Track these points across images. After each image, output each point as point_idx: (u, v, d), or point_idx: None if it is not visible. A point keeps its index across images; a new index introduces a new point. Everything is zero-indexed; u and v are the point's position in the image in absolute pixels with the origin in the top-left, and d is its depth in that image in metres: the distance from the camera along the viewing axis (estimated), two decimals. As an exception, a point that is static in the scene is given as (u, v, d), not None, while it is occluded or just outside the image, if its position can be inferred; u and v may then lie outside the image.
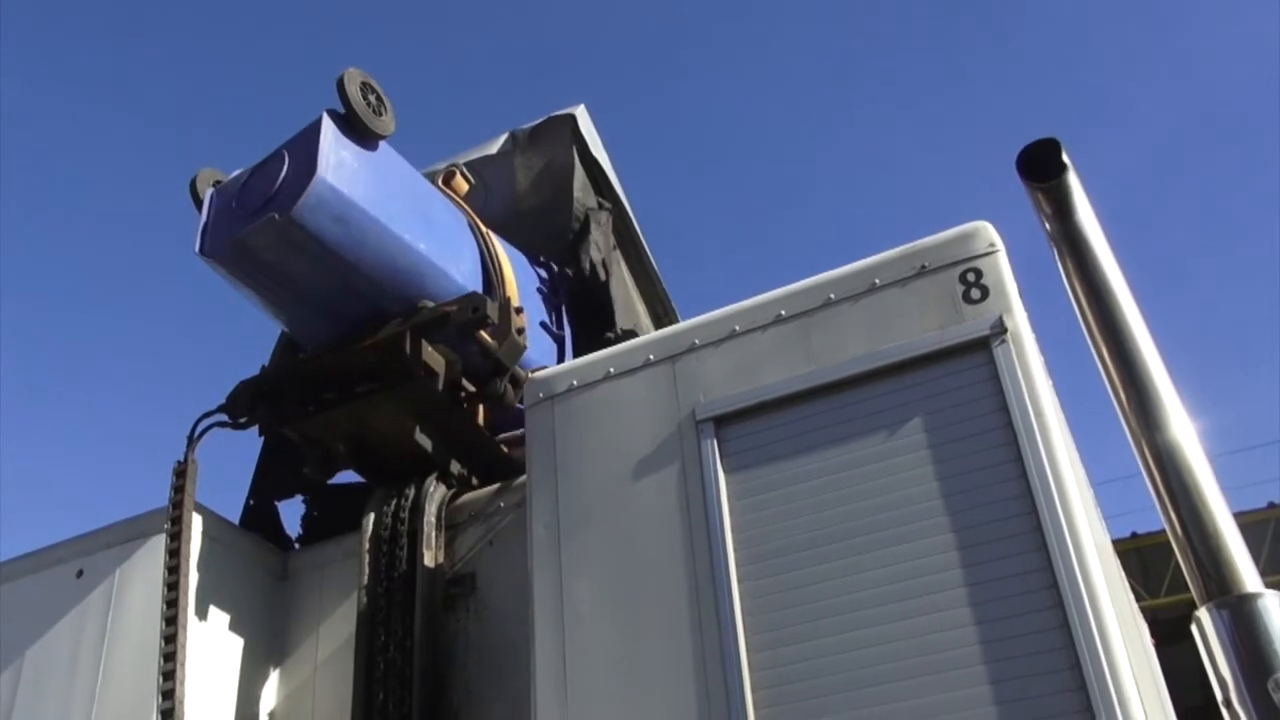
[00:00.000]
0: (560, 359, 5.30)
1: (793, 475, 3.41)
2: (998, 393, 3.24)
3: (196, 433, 4.64)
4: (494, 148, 6.13)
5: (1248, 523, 16.62)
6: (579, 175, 5.91)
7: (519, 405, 4.38)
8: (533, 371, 4.41)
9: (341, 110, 4.44)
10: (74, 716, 4.16)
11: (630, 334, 5.32)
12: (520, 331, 4.71)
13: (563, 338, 5.49)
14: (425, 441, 4.62)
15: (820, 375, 3.52)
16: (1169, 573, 16.42)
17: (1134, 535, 17.63)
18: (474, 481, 4.78)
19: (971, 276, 3.48)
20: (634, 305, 6.11)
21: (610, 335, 5.30)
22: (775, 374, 3.61)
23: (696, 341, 3.82)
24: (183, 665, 3.97)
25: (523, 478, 4.15)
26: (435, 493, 4.48)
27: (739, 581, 3.30)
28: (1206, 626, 1.98)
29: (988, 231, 3.56)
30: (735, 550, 3.36)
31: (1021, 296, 3.46)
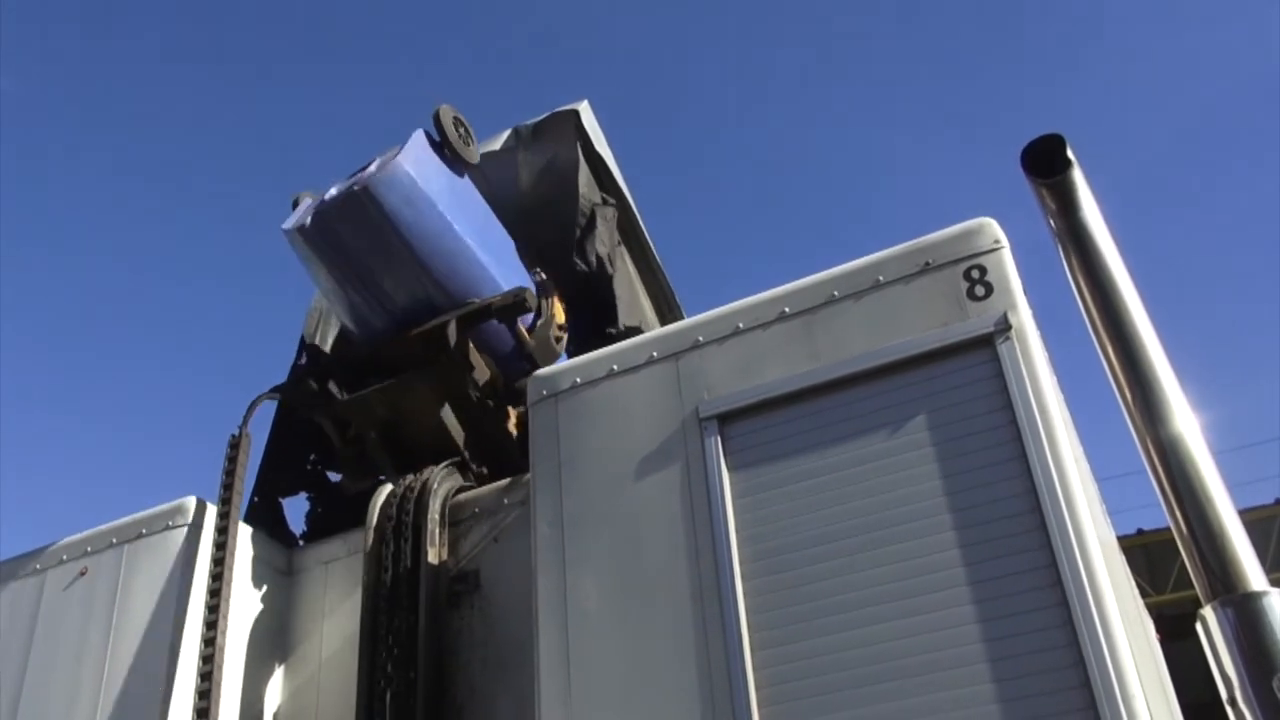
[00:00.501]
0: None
1: (796, 473, 3.41)
2: (1002, 390, 3.23)
3: (252, 410, 4.92)
4: (498, 144, 6.12)
5: (1255, 519, 16.61)
6: (583, 171, 5.90)
7: None
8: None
9: (435, 134, 5.07)
10: (79, 714, 4.17)
11: (634, 331, 5.32)
12: (559, 340, 5.12)
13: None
14: (454, 426, 4.80)
15: (824, 372, 3.52)
16: (1175, 569, 16.42)
17: (1140, 531, 17.63)
18: None
19: (976, 273, 3.47)
20: (638, 302, 6.10)
21: (613, 332, 5.30)
22: (779, 371, 3.60)
23: (700, 339, 3.82)
24: (224, 634, 4.20)
25: (527, 475, 4.15)
26: (440, 489, 4.48)
27: (742, 579, 3.30)
28: (1211, 625, 1.98)
29: (992, 228, 3.55)
30: (739, 548, 3.35)
31: (1026, 293, 3.45)
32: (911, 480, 3.23)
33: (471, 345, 4.85)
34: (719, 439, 3.57)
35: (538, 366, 4.72)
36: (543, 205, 5.95)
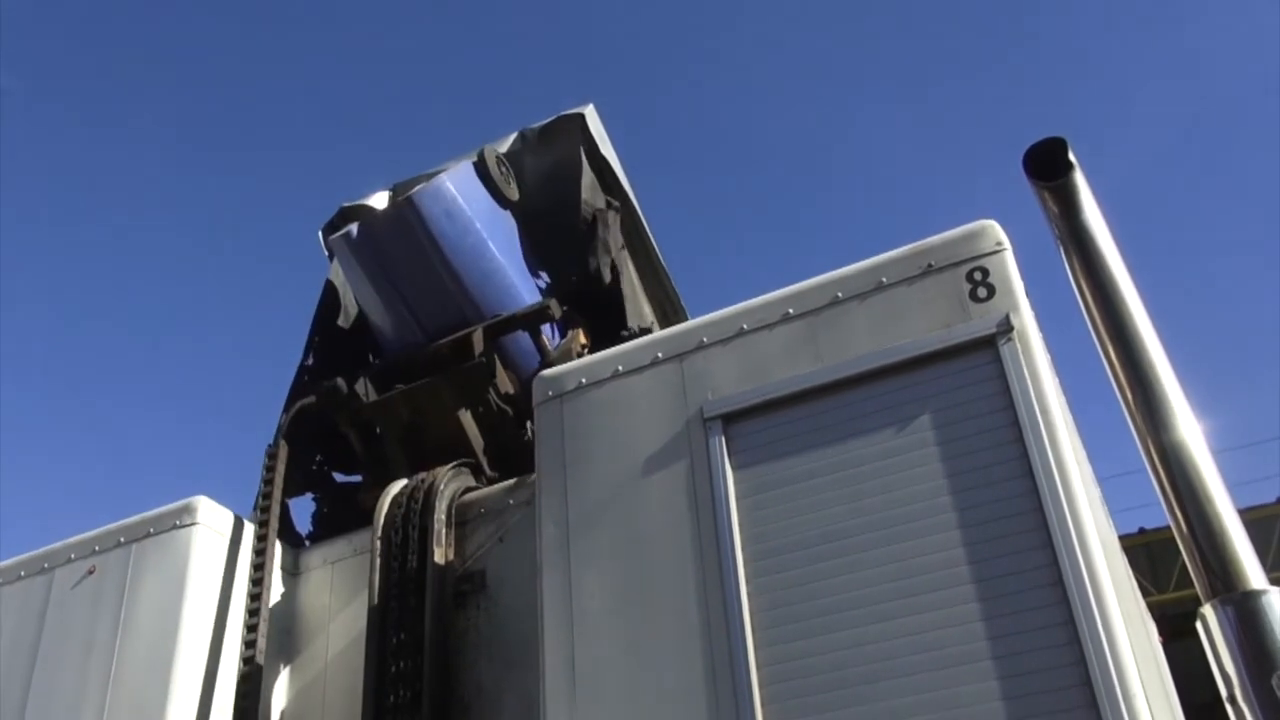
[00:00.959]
0: None
1: (800, 473, 3.43)
2: (1004, 391, 3.25)
3: (290, 421, 5.13)
4: (503, 147, 6.14)
5: (1256, 518, 16.59)
6: (587, 175, 5.92)
7: None
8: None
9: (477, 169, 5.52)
10: (87, 713, 4.20)
11: (645, 332, 5.34)
12: (580, 356, 5.16)
13: None
14: (473, 432, 4.95)
15: (827, 373, 3.54)
16: (1177, 568, 16.40)
17: (1141, 531, 17.61)
18: None
19: (978, 275, 3.49)
20: (642, 305, 6.12)
21: (625, 333, 5.34)
22: (782, 372, 3.62)
23: (704, 340, 3.84)
24: (264, 636, 4.36)
25: (533, 475, 4.17)
26: (446, 490, 4.50)
27: (747, 578, 3.32)
28: (1211, 623, 1.99)
29: (994, 230, 3.57)
30: (743, 547, 3.38)
31: (1028, 294, 3.47)
32: (914, 480, 3.25)
33: (497, 359, 5.08)
34: (723, 439, 3.59)
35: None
36: (548, 208, 5.97)
